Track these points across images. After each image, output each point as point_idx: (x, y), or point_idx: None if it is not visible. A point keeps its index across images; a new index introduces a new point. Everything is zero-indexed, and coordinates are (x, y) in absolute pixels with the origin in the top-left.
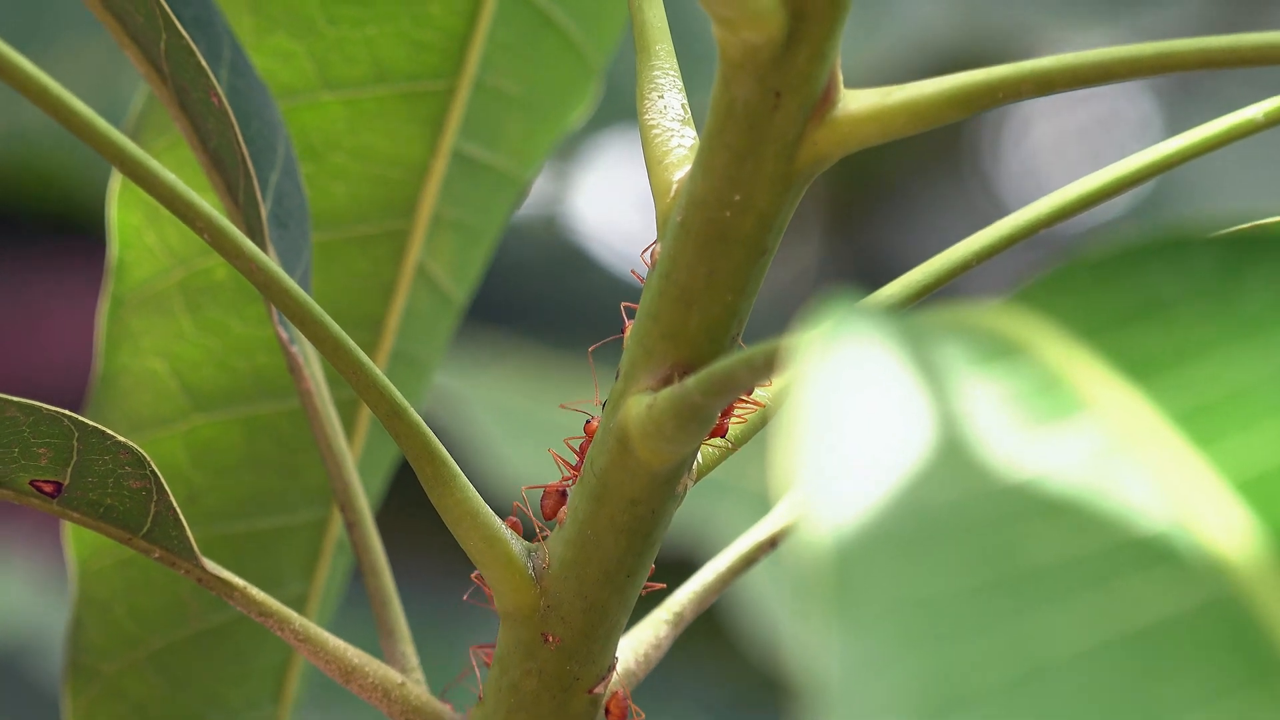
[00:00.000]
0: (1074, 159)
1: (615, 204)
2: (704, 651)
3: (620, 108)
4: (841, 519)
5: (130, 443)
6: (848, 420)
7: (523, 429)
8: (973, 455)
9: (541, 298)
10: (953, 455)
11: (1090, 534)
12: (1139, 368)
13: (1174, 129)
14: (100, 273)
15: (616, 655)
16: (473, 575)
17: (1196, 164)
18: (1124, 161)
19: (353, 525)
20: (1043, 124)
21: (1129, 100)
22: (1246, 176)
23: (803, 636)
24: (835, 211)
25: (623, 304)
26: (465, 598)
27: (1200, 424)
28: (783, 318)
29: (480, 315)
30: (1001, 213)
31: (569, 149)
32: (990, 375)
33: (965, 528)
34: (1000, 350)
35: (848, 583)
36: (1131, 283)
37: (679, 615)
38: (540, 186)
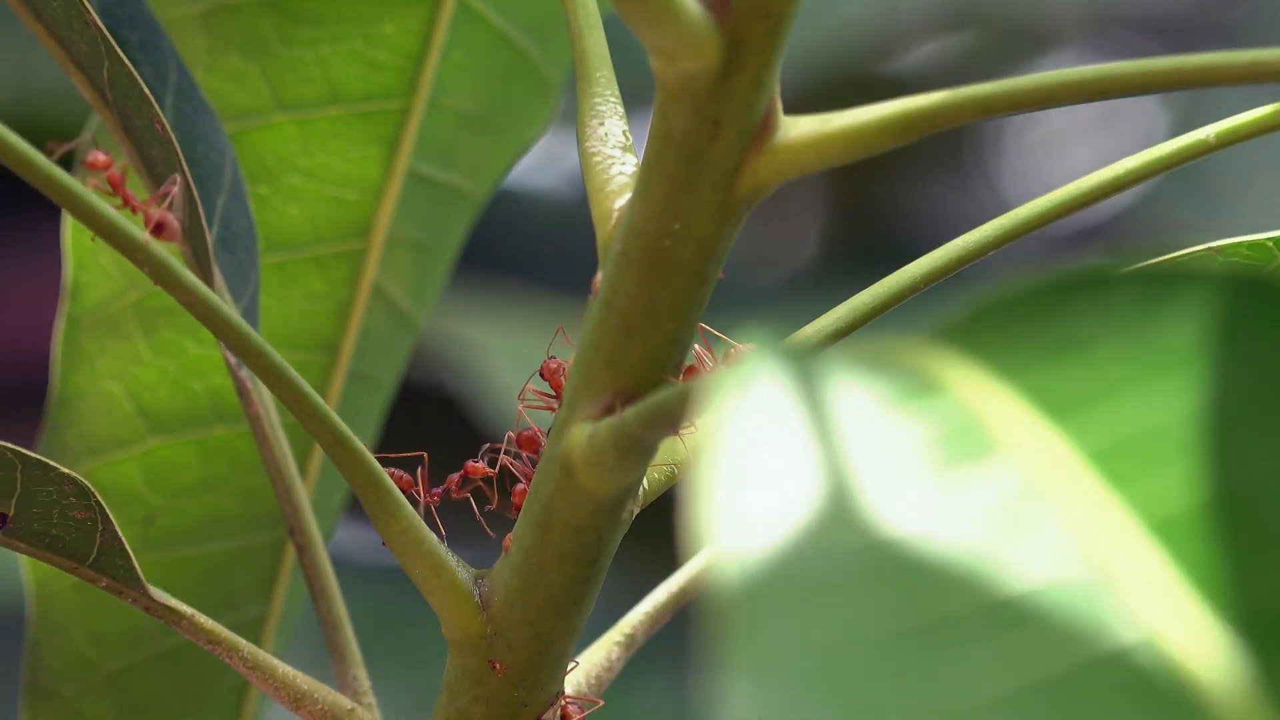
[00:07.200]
0: (1078, 157)
1: None
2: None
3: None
4: (747, 568)
5: (74, 474)
6: (755, 470)
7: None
8: (882, 502)
9: (562, 252)
10: (862, 502)
11: (1000, 581)
12: (1057, 407)
13: (1178, 127)
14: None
15: (565, 681)
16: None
17: (1214, 162)
18: (1082, 180)
19: (303, 549)
20: (1046, 120)
21: (1132, 98)
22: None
23: (710, 687)
24: (835, 206)
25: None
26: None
27: (1117, 464)
28: (789, 313)
29: (501, 267)
30: (1003, 208)
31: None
32: (907, 417)
33: (873, 576)
34: (918, 390)
35: (754, 633)
36: (1052, 320)
37: (631, 637)
38: (562, 145)
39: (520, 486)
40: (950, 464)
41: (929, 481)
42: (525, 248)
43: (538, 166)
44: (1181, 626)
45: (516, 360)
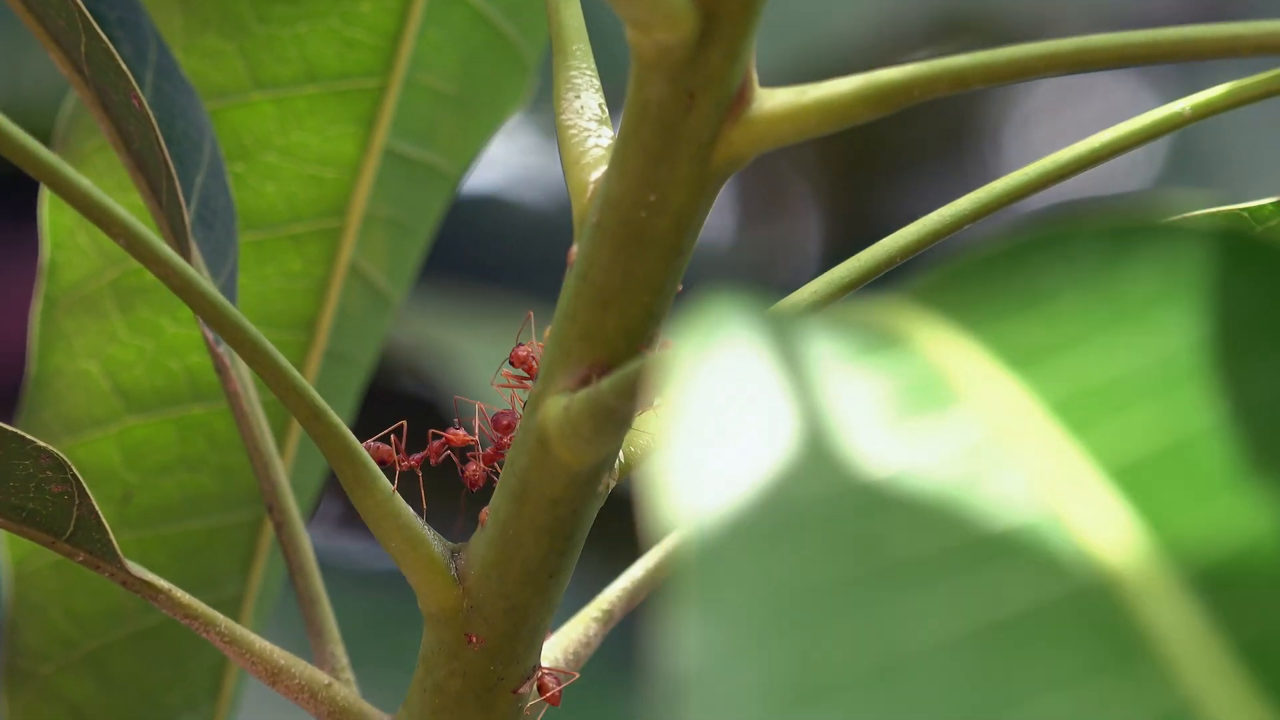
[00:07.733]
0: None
1: None
2: None
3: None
4: (705, 516)
5: (50, 447)
6: (715, 421)
7: None
8: (842, 450)
9: (540, 260)
10: (821, 450)
11: (957, 527)
12: (1019, 358)
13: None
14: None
15: (543, 654)
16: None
17: (1226, 133)
18: (1059, 153)
19: (280, 525)
20: (1049, 120)
21: (1130, 97)
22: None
23: (664, 634)
24: (836, 208)
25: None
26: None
27: (1076, 412)
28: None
29: (478, 274)
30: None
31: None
32: (868, 369)
33: (830, 521)
34: (880, 344)
35: (707, 575)
36: (1017, 275)
37: (608, 613)
38: (536, 157)
39: (471, 467)
40: (911, 414)
41: (890, 431)
42: (511, 257)
43: (525, 180)
44: (1139, 571)
45: (493, 366)
